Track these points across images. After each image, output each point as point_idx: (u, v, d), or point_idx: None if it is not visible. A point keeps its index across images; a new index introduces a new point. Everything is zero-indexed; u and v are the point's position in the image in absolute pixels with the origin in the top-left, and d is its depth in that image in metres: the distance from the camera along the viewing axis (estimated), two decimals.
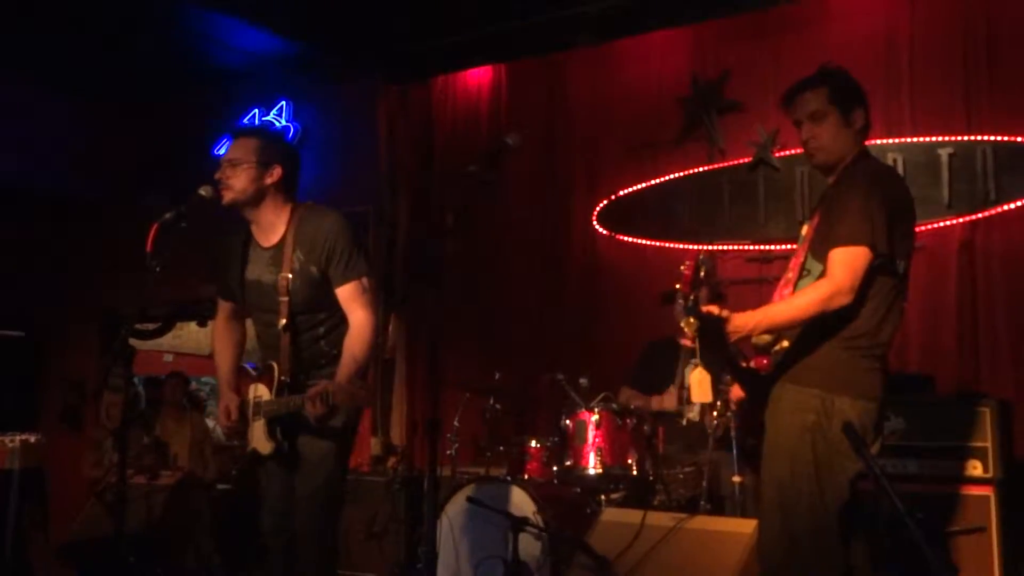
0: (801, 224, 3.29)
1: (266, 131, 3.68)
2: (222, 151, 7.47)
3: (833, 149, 3.10)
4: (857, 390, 2.91)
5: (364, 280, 3.54)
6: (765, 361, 3.10)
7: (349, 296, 3.52)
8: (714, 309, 2.93)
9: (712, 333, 2.90)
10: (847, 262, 2.86)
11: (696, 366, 2.93)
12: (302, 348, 3.58)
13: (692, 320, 2.86)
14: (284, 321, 3.53)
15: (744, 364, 3.25)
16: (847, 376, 2.92)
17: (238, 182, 3.51)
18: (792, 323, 2.96)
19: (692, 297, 2.88)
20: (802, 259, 3.08)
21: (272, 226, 3.60)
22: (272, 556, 3.66)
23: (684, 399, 5.21)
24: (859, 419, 2.87)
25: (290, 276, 3.51)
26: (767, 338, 3.05)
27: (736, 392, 3.48)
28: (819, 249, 2.98)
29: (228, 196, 3.52)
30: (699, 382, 2.95)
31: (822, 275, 2.94)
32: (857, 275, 2.85)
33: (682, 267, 2.97)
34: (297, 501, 3.52)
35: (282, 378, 3.53)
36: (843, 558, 2.93)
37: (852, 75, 3.21)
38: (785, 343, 3.04)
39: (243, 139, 3.63)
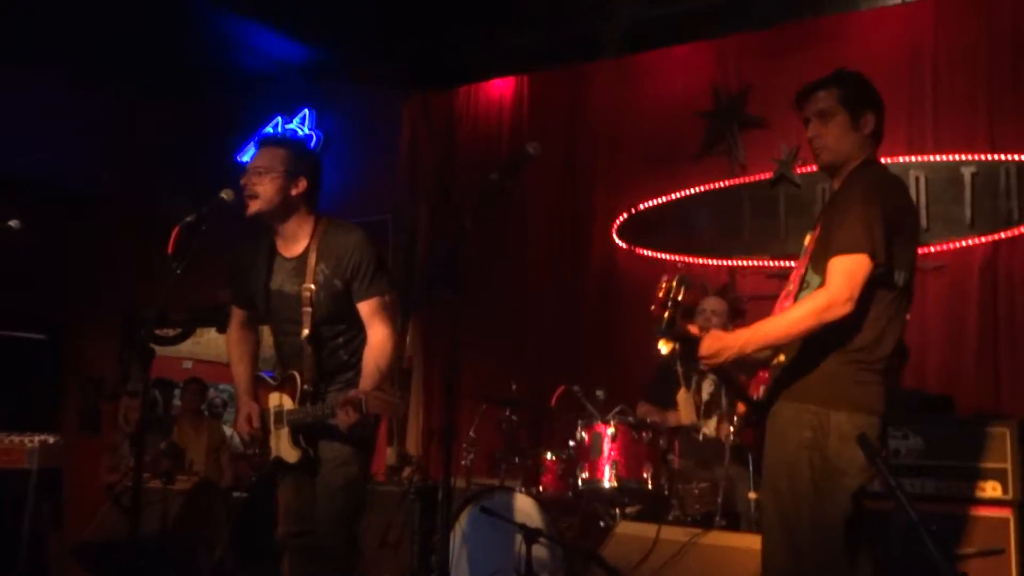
0: (805, 235, 3.20)
1: (294, 141, 3.73)
2: (246, 158, 7.53)
3: (838, 150, 3.02)
4: (855, 404, 2.84)
5: (386, 296, 3.58)
6: (766, 374, 3.04)
7: (371, 311, 3.56)
8: (694, 330, 2.89)
9: (690, 354, 2.87)
10: (845, 271, 2.78)
11: (682, 386, 2.92)
12: (324, 358, 3.61)
13: (665, 341, 2.83)
14: (307, 332, 3.56)
15: (742, 381, 3.19)
16: (844, 390, 2.84)
17: (265, 191, 3.53)
18: (787, 338, 2.89)
19: (665, 317, 2.83)
20: (803, 271, 3.01)
21: (295, 237, 3.62)
22: (289, 556, 3.69)
23: (700, 413, 5.21)
24: (858, 432, 2.77)
25: (313, 288, 3.54)
26: (767, 351, 2.99)
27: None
28: (819, 260, 2.91)
29: (254, 206, 3.54)
30: (683, 402, 2.96)
31: (820, 287, 2.86)
32: (856, 284, 2.77)
33: (658, 286, 2.92)
34: (318, 504, 3.55)
35: (305, 387, 3.57)
36: (849, 570, 2.87)
37: (871, 81, 3.14)
38: (782, 357, 2.97)
39: (271, 148, 3.65)
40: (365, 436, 3.56)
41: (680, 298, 2.90)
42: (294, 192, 3.56)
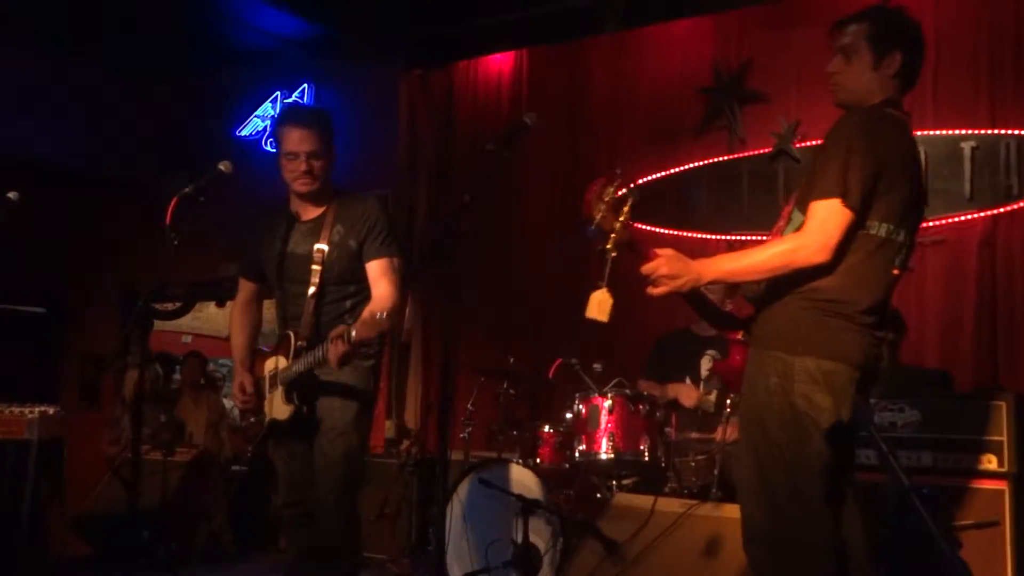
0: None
1: (324, 114, 3.74)
2: (246, 132, 7.47)
3: (854, 89, 2.85)
4: (823, 350, 2.69)
5: (395, 260, 3.60)
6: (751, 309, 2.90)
7: (378, 270, 3.57)
8: (667, 251, 2.74)
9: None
10: (820, 217, 2.64)
11: (601, 287, 2.76)
12: (325, 319, 3.59)
13: (609, 241, 2.68)
14: (313, 289, 3.56)
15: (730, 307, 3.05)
16: (810, 336, 2.70)
17: (324, 173, 3.59)
18: (751, 275, 2.75)
19: (599, 217, 2.72)
20: (791, 208, 2.88)
21: (316, 201, 3.66)
22: (287, 527, 3.70)
23: (701, 391, 5.23)
24: (826, 380, 2.67)
25: (326, 248, 3.56)
26: (755, 287, 2.84)
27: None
28: (804, 199, 2.76)
29: (315, 186, 3.58)
30: (599, 302, 2.76)
31: (800, 226, 2.74)
32: (830, 231, 2.63)
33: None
34: (316, 473, 3.54)
35: (299, 343, 3.54)
36: (832, 524, 2.74)
37: (910, 20, 2.94)
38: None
39: (315, 129, 3.61)
40: (363, 402, 3.55)
41: (615, 200, 2.76)
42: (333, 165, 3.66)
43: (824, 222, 2.65)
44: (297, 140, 3.57)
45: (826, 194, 2.65)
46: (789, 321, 2.74)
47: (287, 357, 3.58)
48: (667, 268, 2.73)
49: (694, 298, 2.89)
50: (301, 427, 3.55)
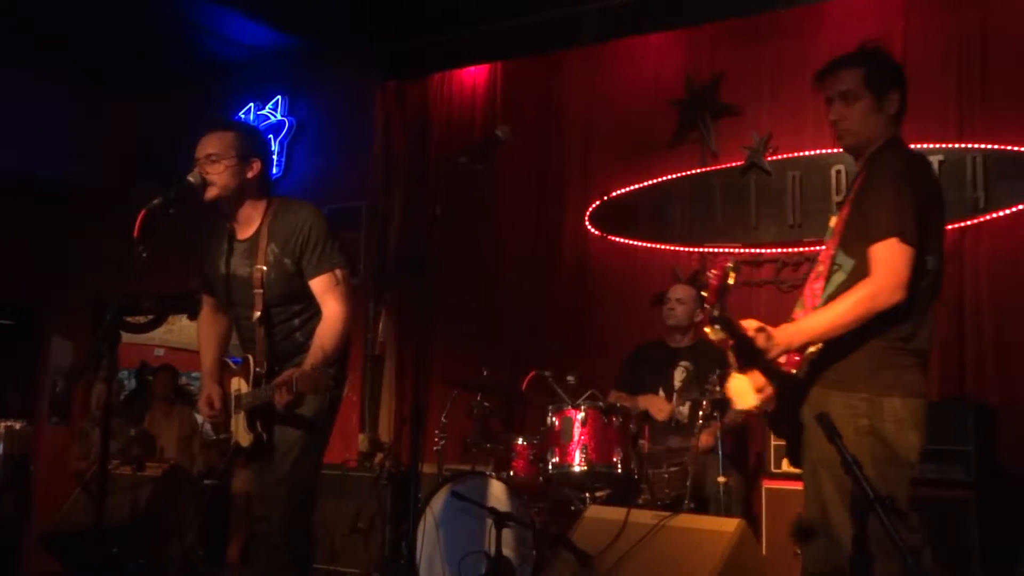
0: (830, 216, 3.10)
1: (242, 123, 3.72)
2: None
3: (862, 133, 2.95)
4: (906, 389, 2.78)
5: (338, 272, 3.53)
6: (796, 358, 2.93)
7: (322, 288, 3.51)
8: (752, 323, 2.77)
9: (744, 347, 2.76)
10: (884, 257, 2.72)
11: (732, 374, 2.82)
12: (277, 340, 3.57)
13: (716, 328, 2.70)
14: (258, 314, 3.52)
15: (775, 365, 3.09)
16: (894, 376, 2.78)
17: (219, 178, 3.48)
18: (839, 330, 2.77)
19: (717, 306, 2.71)
20: (832, 252, 2.93)
21: (249, 219, 3.59)
22: (255, 544, 3.68)
23: (674, 404, 5.25)
24: (912, 416, 2.77)
25: (264, 269, 3.50)
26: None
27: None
28: (850, 243, 2.84)
29: (211, 192, 3.50)
30: (739, 390, 2.83)
31: (854, 270, 2.81)
32: (899, 269, 2.70)
33: (709, 274, 2.81)
34: (268, 489, 3.53)
35: (257, 369, 3.53)
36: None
37: (893, 57, 3.06)
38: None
39: (220, 133, 3.56)
40: (315, 422, 3.52)
41: (730, 285, 2.78)
42: (249, 175, 3.54)
43: (890, 262, 2.72)
44: (200, 146, 3.54)
45: (884, 235, 2.73)
46: (871, 362, 2.79)
47: (247, 381, 3.57)
48: (765, 345, 2.77)
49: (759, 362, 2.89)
50: (263, 449, 3.55)
